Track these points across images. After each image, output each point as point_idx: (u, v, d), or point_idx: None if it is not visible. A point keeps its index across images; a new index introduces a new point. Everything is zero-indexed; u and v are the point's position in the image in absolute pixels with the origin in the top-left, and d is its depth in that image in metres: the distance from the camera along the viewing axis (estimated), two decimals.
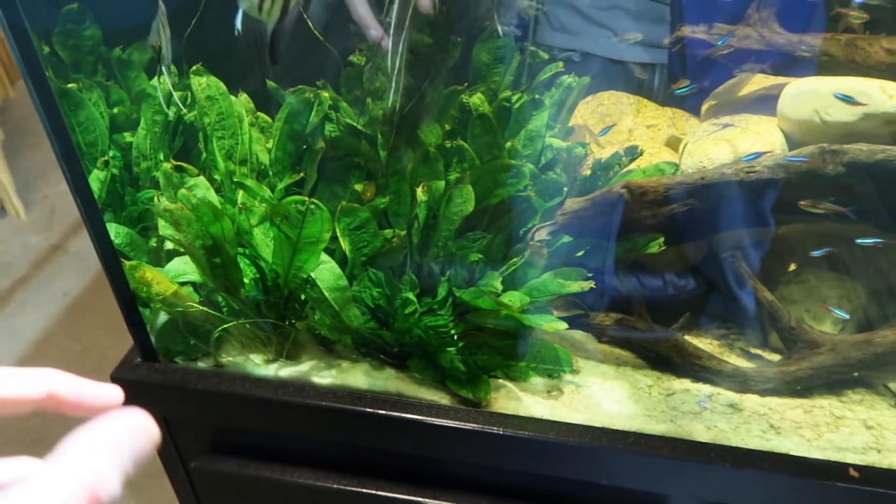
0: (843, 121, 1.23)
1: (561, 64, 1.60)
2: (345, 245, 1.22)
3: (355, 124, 1.32)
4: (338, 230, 1.21)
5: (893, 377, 1.27)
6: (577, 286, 1.24)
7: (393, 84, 1.15)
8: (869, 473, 1.16)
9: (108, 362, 1.39)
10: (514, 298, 1.23)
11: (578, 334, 1.39)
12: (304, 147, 1.35)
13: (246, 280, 1.26)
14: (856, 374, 1.25)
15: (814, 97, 1.26)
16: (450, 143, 1.31)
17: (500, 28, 1.16)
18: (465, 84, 1.47)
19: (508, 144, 1.40)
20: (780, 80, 1.45)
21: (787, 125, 1.33)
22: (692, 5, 1.60)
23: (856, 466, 1.18)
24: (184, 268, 1.27)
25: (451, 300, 1.30)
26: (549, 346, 1.33)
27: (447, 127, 1.45)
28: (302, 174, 1.31)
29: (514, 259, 1.30)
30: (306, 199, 1.11)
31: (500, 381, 1.33)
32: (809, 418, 1.26)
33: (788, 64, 1.40)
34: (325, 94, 1.37)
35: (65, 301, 4.03)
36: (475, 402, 1.27)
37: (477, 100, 1.44)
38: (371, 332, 1.28)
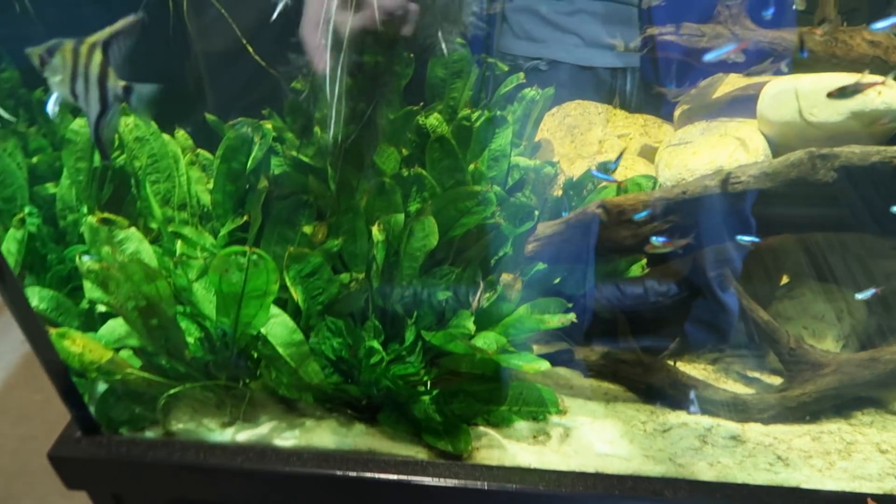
0: (829, 121, 1.14)
1: (522, 75, 1.50)
2: (297, 294, 1.10)
3: (302, 157, 1.20)
4: (287, 279, 1.08)
5: None
6: (556, 321, 1.13)
7: (333, 111, 1.03)
8: (888, 503, 1.07)
9: None
10: (489, 339, 1.12)
11: (563, 370, 1.28)
12: (248, 186, 1.22)
13: (190, 340, 1.13)
14: (864, 394, 1.16)
15: (795, 97, 1.17)
16: (407, 172, 1.19)
17: (444, 45, 1.06)
18: (421, 104, 1.35)
19: (472, 167, 1.29)
20: (756, 79, 1.35)
21: (769, 128, 1.23)
22: (660, 6, 1.52)
23: (874, 496, 1.08)
24: (120, 331, 1.13)
25: (421, 344, 1.18)
26: (532, 387, 1.21)
27: (404, 152, 1.34)
28: (246, 217, 1.19)
29: (487, 295, 1.18)
30: (247, 249, 0.98)
31: (481, 428, 1.21)
32: (818, 446, 1.16)
33: (764, 62, 1.31)
34: (269, 126, 1.25)
35: (24, 349, 3.84)
36: (455, 454, 1.15)
37: (434, 120, 1.33)
38: (335, 388, 1.16)
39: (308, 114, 1.26)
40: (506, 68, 1.55)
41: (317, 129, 1.25)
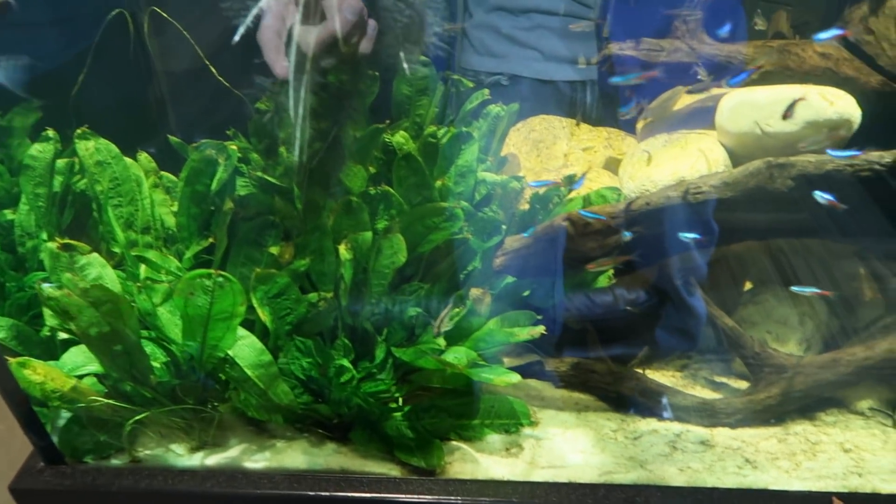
0: (784, 131, 1.17)
1: (487, 92, 1.51)
2: (264, 316, 1.09)
3: (268, 177, 1.19)
4: (254, 300, 1.07)
5: (865, 394, 1.20)
6: (526, 334, 1.14)
7: (298, 131, 1.03)
8: (853, 500, 1.09)
9: None
10: (459, 354, 1.12)
11: (534, 381, 1.29)
12: (213, 208, 1.21)
13: (155, 365, 1.11)
14: (827, 394, 1.18)
15: (752, 108, 1.20)
16: (374, 190, 1.19)
17: (406, 66, 1.07)
18: (388, 122, 1.36)
19: (439, 183, 1.30)
20: (715, 91, 1.39)
21: (728, 139, 1.26)
22: (618, 21, 1.54)
23: (839, 494, 1.10)
24: (82, 358, 1.11)
25: (392, 361, 1.18)
26: (504, 400, 1.22)
27: (371, 170, 1.34)
28: (211, 239, 1.17)
29: (456, 310, 1.19)
30: (213, 272, 0.97)
31: (454, 442, 1.21)
32: (785, 447, 1.18)
33: (721, 74, 1.34)
34: (234, 147, 1.24)
35: None
36: (428, 469, 1.15)
37: (401, 138, 1.33)
38: (305, 408, 1.15)
39: (273, 134, 1.26)
40: (471, 84, 1.56)
41: (282, 150, 1.25)
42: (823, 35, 1.14)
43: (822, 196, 1.06)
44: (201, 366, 1.09)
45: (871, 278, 1.21)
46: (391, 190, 1.19)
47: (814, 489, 1.11)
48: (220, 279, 0.98)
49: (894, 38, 1.14)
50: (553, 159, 1.53)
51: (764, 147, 1.20)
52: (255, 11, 0.94)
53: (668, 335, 1.30)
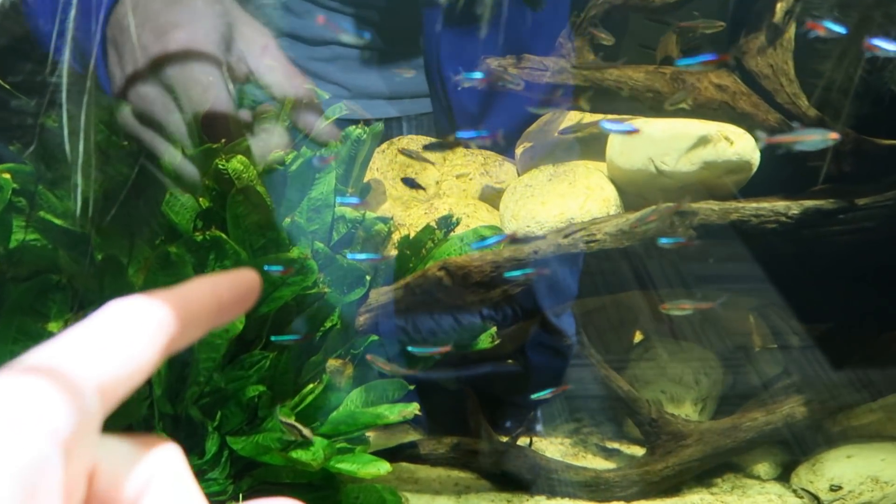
0: (681, 170, 1.05)
1: (343, 105, 1.28)
2: None
3: (53, 219, 0.90)
4: None
5: (761, 457, 1.12)
6: (397, 415, 0.94)
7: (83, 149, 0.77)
8: None
9: None
10: (314, 446, 0.90)
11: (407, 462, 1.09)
12: None
13: None
14: (723, 460, 1.09)
15: (647, 143, 1.07)
16: (200, 236, 0.93)
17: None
18: (223, 141, 1.09)
19: (287, 220, 1.06)
20: (601, 117, 1.25)
21: (619, 175, 1.13)
22: (447, 46, 1.37)
23: None
24: None
25: (228, 454, 0.93)
26: (370, 489, 1.00)
27: (203, 203, 1.07)
28: None
29: (310, 386, 0.96)
30: None
31: None
32: None
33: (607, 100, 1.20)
34: (7, 176, 0.93)
35: None
36: None
37: (238, 164, 1.07)
38: None
39: (62, 157, 0.96)
40: (326, 96, 1.32)
41: (76, 178, 0.95)
42: (687, 61, 1.04)
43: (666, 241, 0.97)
44: None
45: (769, 333, 1.13)
46: (223, 236, 0.94)
47: None
48: None
49: (793, 74, 1.05)
50: (424, 187, 1.33)
51: (659, 187, 1.08)
52: None
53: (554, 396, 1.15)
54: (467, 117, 1.46)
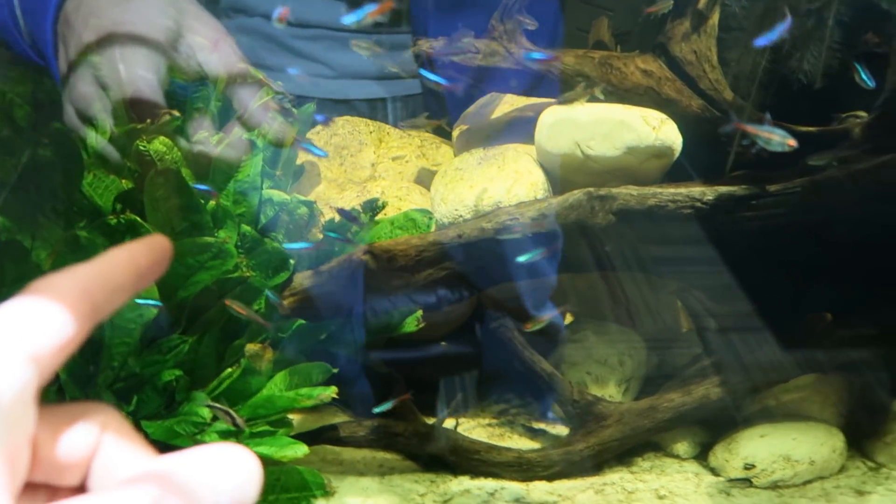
0: (605, 155, 1.06)
1: (280, 83, 1.26)
2: None
3: None
4: None
5: (680, 436, 1.15)
6: (315, 398, 0.94)
7: None
8: None
9: None
10: (227, 431, 0.90)
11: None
12: None
13: None
14: (643, 440, 1.11)
15: (573, 127, 1.07)
16: (115, 219, 0.92)
17: None
18: (149, 121, 1.07)
19: (212, 204, 1.05)
20: (535, 100, 1.25)
21: (547, 159, 1.13)
22: (434, 24, 1.35)
23: None
24: None
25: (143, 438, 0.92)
26: (291, 471, 1.01)
27: (126, 184, 1.05)
28: None
29: (229, 370, 0.96)
30: None
31: None
32: (602, 498, 1.09)
33: (536, 84, 1.20)
34: None
35: None
36: None
37: (160, 146, 1.05)
38: None
39: None
40: (261, 75, 1.30)
41: None
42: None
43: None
44: None
45: (688, 315, 1.15)
46: (138, 220, 0.92)
47: None
48: None
49: (715, 61, 1.06)
50: (359, 169, 1.33)
51: (586, 171, 1.09)
52: None
53: (482, 377, 1.17)
54: (457, 100, 1.43)
